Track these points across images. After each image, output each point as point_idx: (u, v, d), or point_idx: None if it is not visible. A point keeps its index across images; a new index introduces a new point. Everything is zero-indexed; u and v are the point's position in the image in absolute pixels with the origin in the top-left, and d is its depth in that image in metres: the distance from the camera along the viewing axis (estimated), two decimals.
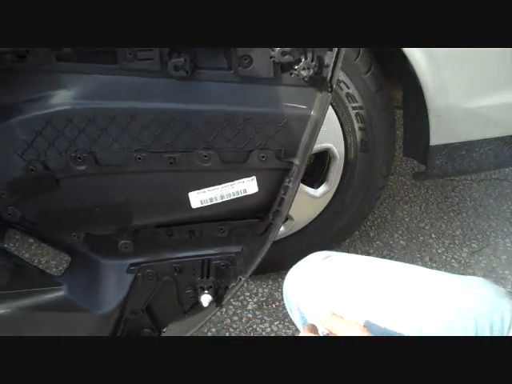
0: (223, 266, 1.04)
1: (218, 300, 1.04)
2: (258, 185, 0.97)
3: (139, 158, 0.91)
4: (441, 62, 1.32)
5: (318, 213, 1.59)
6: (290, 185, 0.95)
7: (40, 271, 1.06)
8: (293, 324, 1.55)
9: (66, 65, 0.86)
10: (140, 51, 0.85)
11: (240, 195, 0.97)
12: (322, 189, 1.55)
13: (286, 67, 0.88)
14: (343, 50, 0.85)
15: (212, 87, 0.90)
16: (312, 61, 0.86)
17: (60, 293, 1.00)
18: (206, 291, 1.02)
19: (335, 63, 0.87)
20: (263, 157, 0.93)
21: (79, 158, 0.90)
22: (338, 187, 1.56)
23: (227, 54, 0.89)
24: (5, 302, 0.98)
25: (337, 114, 1.43)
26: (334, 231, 1.64)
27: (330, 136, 1.45)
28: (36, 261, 1.77)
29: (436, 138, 1.44)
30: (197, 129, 0.91)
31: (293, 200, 0.95)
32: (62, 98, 0.88)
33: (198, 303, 1.04)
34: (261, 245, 1.00)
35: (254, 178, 0.96)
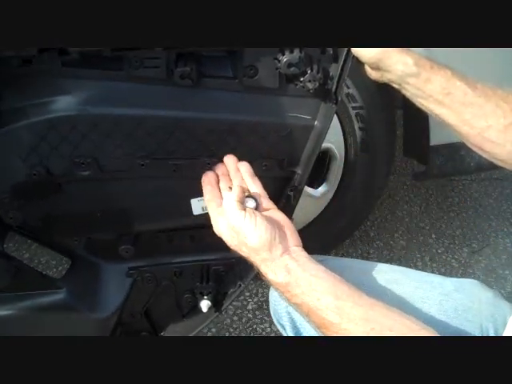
0: (223, 271, 1.04)
1: (216, 305, 1.04)
2: None
3: (142, 165, 0.90)
4: (441, 62, 1.32)
5: (318, 213, 1.59)
6: (292, 193, 0.95)
7: (40, 274, 1.06)
8: None
9: (72, 70, 0.85)
10: (146, 59, 0.84)
11: None
12: (321, 189, 1.55)
13: (292, 78, 0.87)
14: (349, 63, 0.84)
15: (217, 96, 0.89)
16: (318, 73, 0.85)
17: (60, 295, 1.00)
18: (206, 297, 1.02)
19: (341, 75, 0.86)
20: (265, 166, 0.93)
21: (82, 164, 0.89)
22: (337, 187, 1.56)
23: (233, 63, 0.88)
24: (5, 303, 0.98)
25: (337, 113, 1.43)
26: (334, 231, 1.64)
27: (330, 136, 1.45)
28: (36, 261, 1.77)
29: (436, 138, 1.44)
30: (200, 137, 0.90)
31: (294, 208, 0.95)
32: (67, 104, 0.87)
33: (197, 308, 1.04)
34: None
35: None
